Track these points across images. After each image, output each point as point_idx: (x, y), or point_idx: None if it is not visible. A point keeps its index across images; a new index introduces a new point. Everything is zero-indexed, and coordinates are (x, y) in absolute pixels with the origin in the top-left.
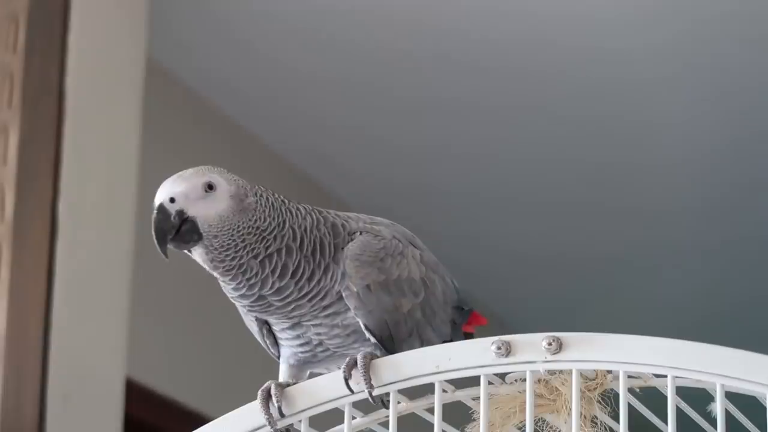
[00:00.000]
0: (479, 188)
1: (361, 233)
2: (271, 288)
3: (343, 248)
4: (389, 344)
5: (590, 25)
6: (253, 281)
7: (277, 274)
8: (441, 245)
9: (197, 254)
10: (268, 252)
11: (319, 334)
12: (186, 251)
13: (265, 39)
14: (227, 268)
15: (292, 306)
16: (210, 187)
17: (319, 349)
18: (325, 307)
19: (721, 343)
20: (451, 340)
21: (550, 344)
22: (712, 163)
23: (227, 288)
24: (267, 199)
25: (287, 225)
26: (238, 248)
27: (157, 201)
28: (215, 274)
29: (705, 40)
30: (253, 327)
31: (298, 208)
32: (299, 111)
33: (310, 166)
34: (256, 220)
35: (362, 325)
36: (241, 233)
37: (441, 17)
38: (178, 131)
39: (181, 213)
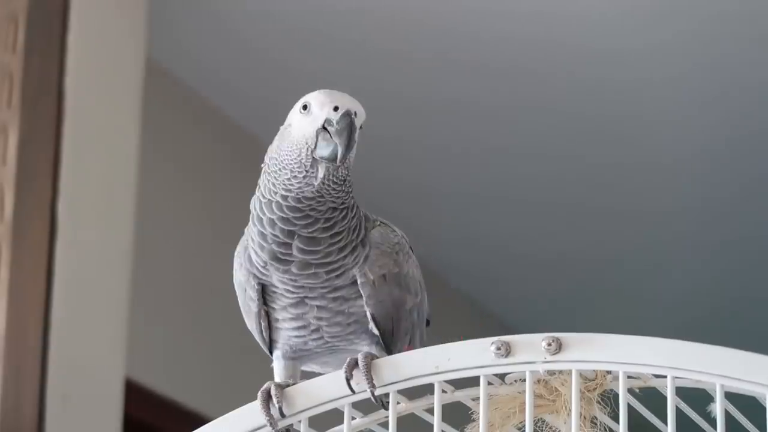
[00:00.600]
0: (479, 188)
1: (380, 224)
2: (311, 232)
3: (368, 234)
4: (389, 340)
5: (590, 24)
6: (311, 219)
7: (326, 225)
8: (441, 245)
9: (314, 171)
10: (343, 207)
11: (320, 318)
12: (316, 165)
13: (265, 39)
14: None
15: (311, 270)
16: (361, 127)
17: (314, 336)
18: (336, 288)
19: (721, 343)
20: None
21: (549, 344)
22: (712, 163)
23: (271, 213)
24: None
25: (354, 199)
26: (343, 188)
27: (343, 105)
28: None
29: (705, 39)
30: (251, 307)
31: None
32: None
33: None
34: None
35: (369, 316)
36: (349, 181)
37: (441, 17)
38: (177, 131)
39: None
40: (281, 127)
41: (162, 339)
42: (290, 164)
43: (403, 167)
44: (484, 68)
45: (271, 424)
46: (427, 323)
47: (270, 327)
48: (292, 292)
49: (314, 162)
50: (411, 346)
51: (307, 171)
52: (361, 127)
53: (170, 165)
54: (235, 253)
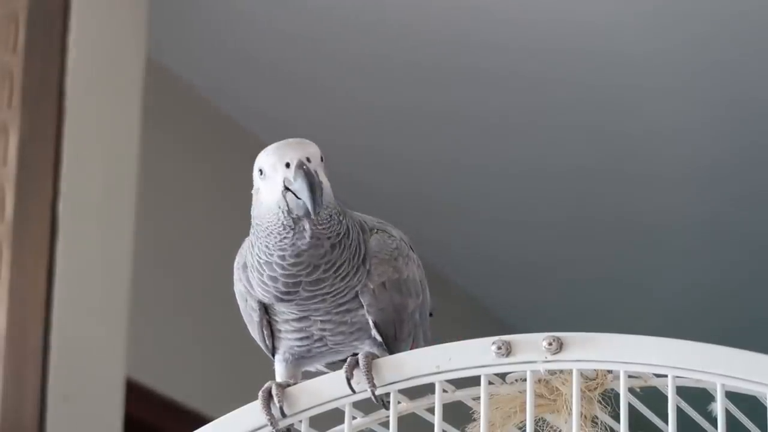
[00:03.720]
0: (479, 188)
1: (377, 231)
2: (316, 277)
3: (366, 247)
4: (392, 344)
5: (595, 31)
6: (312, 267)
7: (327, 266)
8: (441, 245)
9: (299, 226)
10: (338, 239)
11: (323, 330)
12: (299, 223)
13: (265, 39)
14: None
15: (318, 299)
16: (322, 158)
17: (317, 344)
18: (340, 304)
19: (722, 343)
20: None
21: (550, 344)
22: (713, 165)
23: (272, 271)
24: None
25: (348, 217)
26: (332, 224)
27: (292, 159)
28: (297, 243)
29: (712, 46)
30: (253, 317)
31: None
32: (299, 112)
33: None
34: (338, 204)
35: (371, 323)
36: (337, 211)
37: (441, 25)
38: (178, 131)
39: (317, 174)
40: (252, 191)
41: (162, 339)
42: (275, 228)
43: (404, 174)
44: (485, 76)
45: (272, 423)
46: (430, 314)
47: (272, 335)
48: (296, 313)
49: (296, 221)
50: (415, 344)
51: (293, 230)
52: (322, 159)
53: (171, 165)
54: (235, 264)
